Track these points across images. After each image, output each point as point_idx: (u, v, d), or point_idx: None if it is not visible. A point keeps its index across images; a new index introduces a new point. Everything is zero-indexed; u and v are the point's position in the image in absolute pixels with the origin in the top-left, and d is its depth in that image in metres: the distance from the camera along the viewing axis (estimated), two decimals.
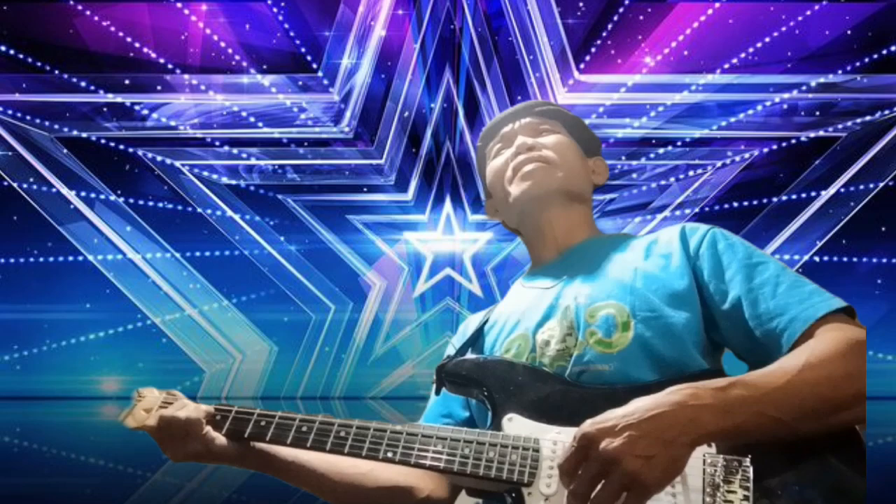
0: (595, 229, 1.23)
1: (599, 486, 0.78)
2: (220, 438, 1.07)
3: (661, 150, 5.76)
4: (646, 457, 0.76)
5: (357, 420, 1.01)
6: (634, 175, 5.96)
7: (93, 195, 5.35)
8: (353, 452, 0.99)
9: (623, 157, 5.86)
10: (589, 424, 0.81)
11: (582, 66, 5.53)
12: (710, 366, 0.96)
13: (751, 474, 0.81)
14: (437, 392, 1.08)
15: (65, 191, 5.27)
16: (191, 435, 1.06)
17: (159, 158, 5.53)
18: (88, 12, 5.06)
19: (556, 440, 0.92)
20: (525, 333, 1.08)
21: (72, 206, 5.26)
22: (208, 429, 1.08)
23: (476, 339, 1.18)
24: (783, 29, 5.35)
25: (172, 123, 5.44)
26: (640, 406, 0.80)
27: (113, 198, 5.40)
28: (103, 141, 5.40)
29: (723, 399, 0.80)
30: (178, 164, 5.56)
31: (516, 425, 0.96)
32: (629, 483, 0.76)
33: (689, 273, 1.02)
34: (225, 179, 5.68)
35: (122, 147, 5.44)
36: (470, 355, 1.10)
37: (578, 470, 0.80)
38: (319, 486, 1.13)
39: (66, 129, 5.33)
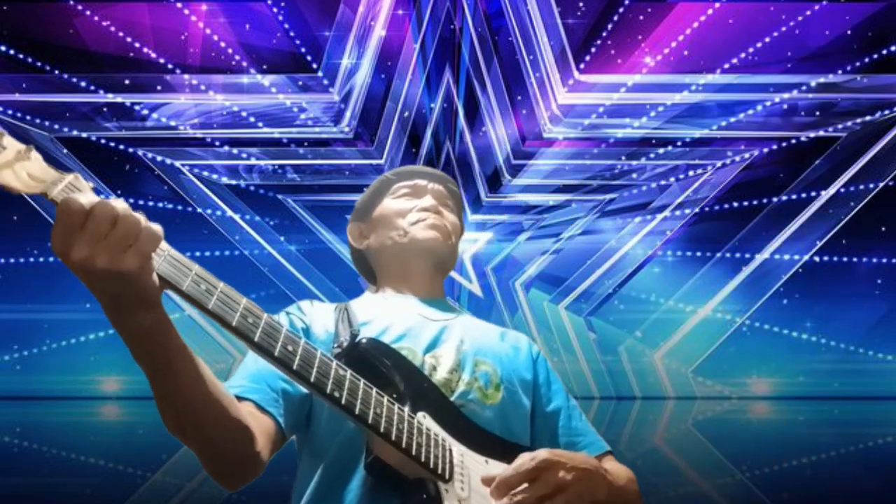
0: (445, 297, 1.37)
1: None
2: (154, 273, 0.80)
3: (661, 150, 5.76)
4: (580, 496, 0.93)
5: (302, 339, 0.89)
6: (634, 175, 5.96)
7: None
8: (301, 372, 0.85)
9: (623, 157, 5.86)
10: (549, 453, 0.94)
11: (582, 66, 5.53)
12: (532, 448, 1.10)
13: None
14: (339, 357, 1.05)
15: None
16: (138, 247, 0.77)
17: (159, 158, 5.53)
18: (88, 12, 5.06)
19: (462, 451, 0.99)
20: (414, 349, 1.13)
21: None
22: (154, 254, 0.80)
23: (351, 328, 1.18)
24: (783, 29, 5.35)
25: (172, 123, 5.44)
26: (577, 456, 0.99)
27: (113, 198, 5.40)
28: (103, 141, 5.40)
29: (609, 480, 1.01)
30: (178, 164, 5.57)
31: (430, 423, 0.99)
32: None
33: (532, 371, 1.22)
34: (225, 179, 5.69)
35: (122, 147, 5.44)
36: (383, 342, 1.10)
37: (521, 486, 0.92)
38: (189, 389, 0.89)
39: (66, 129, 5.33)
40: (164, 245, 0.80)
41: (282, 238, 5.74)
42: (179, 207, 5.55)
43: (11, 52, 5.04)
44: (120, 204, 0.76)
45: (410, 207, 1.30)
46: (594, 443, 1.17)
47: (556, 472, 0.92)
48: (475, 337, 1.20)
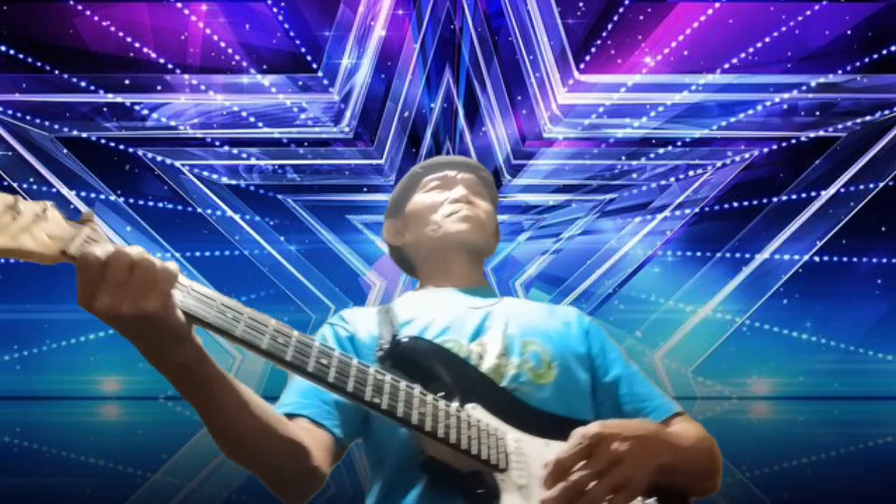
0: (487, 284, 1.36)
1: (597, 481, 0.87)
2: (177, 309, 0.82)
3: (661, 150, 5.76)
4: (639, 465, 0.90)
5: (336, 349, 0.89)
6: (634, 175, 5.96)
7: (93, 195, 5.35)
8: (337, 384, 0.86)
9: (623, 157, 5.86)
10: (600, 426, 0.90)
11: (582, 66, 5.53)
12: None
13: None
14: (382, 361, 1.06)
15: (65, 191, 5.28)
16: (156, 289, 0.80)
17: (159, 158, 5.53)
18: (88, 12, 5.06)
19: (517, 438, 0.97)
20: (458, 340, 1.12)
21: (72, 206, 5.27)
22: (174, 291, 0.82)
23: (393, 330, 1.18)
24: (783, 29, 5.35)
25: (172, 123, 5.44)
26: (630, 424, 0.95)
27: (113, 198, 5.40)
28: (103, 141, 5.40)
29: (672, 441, 0.98)
30: (178, 164, 5.57)
31: (481, 414, 0.98)
32: (624, 484, 0.87)
33: (585, 343, 1.20)
34: (225, 179, 5.69)
35: (122, 147, 5.44)
36: (426, 339, 1.10)
37: (577, 465, 0.88)
38: (238, 420, 0.92)
39: (66, 129, 5.34)
40: (185, 281, 0.83)
41: (282, 238, 5.75)
42: (179, 207, 5.55)
43: (11, 52, 5.04)
44: (134, 250, 0.81)
45: (441, 200, 1.29)
46: (661, 406, 1.14)
47: (609, 445, 0.89)
48: (521, 318, 1.18)
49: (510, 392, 1.06)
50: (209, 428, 0.93)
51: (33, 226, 0.77)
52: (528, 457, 0.95)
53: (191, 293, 0.83)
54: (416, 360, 1.03)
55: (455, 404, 0.96)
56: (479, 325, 1.15)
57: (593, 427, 0.90)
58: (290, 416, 1.03)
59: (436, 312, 1.16)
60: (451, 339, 1.11)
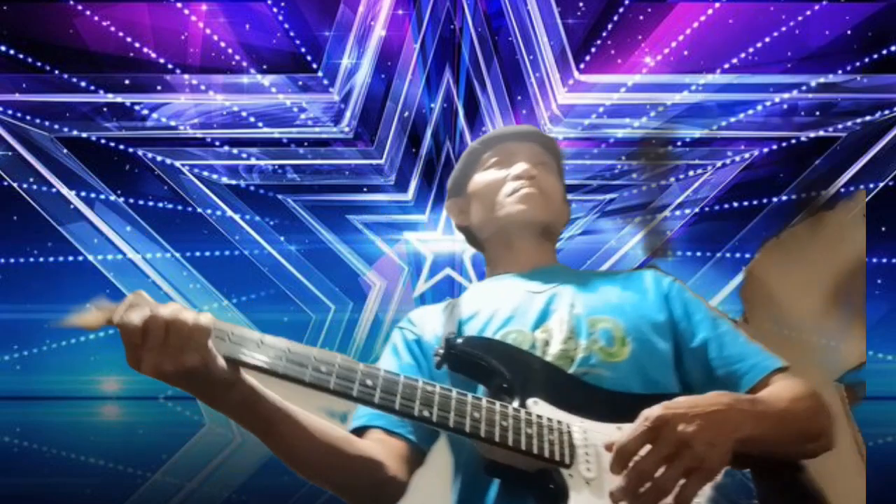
0: (557, 261, 1.33)
1: (665, 467, 0.83)
2: (219, 358, 0.89)
3: (661, 150, 5.76)
4: (711, 444, 0.84)
5: (381, 370, 0.90)
6: (634, 175, 5.96)
7: (93, 195, 5.35)
8: (384, 404, 0.88)
9: (623, 157, 5.86)
10: (662, 408, 0.86)
11: (582, 66, 5.53)
12: (685, 392, 1.03)
13: (752, 486, 0.96)
14: (438, 367, 1.04)
15: (65, 191, 5.27)
16: (192, 344, 0.86)
17: (159, 158, 5.53)
18: (88, 12, 5.06)
19: (584, 428, 0.94)
20: (522, 329, 1.09)
21: (72, 206, 5.26)
22: (211, 343, 0.88)
23: (456, 328, 1.15)
24: (783, 29, 5.34)
25: (172, 123, 5.44)
26: (699, 401, 0.89)
27: (113, 198, 5.40)
28: (103, 141, 5.40)
29: (755, 409, 0.92)
30: (178, 164, 5.56)
31: (542, 409, 0.96)
32: (695, 466, 0.83)
33: (665, 310, 1.15)
34: (225, 179, 5.68)
35: (122, 147, 5.44)
36: (480, 336, 1.08)
37: (642, 450, 0.84)
38: (301, 446, 0.97)
39: (66, 129, 5.33)
40: (226, 326, 0.90)
41: (282, 238, 5.74)
42: (179, 207, 5.54)
43: (11, 52, 5.04)
44: (168, 310, 0.89)
45: (502, 178, 1.24)
46: (756, 366, 1.06)
47: (675, 427, 0.84)
48: (589, 295, 1.14)
49: (579, 377, 1.03)
50: (277, 455, 0.98)
51: (84, 310, 0.92)
52: (599, 446, 0.93)
53: (231, 339, 0.90)
54: (472, 360, 1.02)
55: (515, 403, 0.95)
56: (543, 310, 1.12)
57: (656, 409, 0.86)
58: (365, 428, 1.06)
59: (499, 303, 1.14)
60: (515, 330, 1.10)
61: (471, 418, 0.89)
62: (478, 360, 1.01)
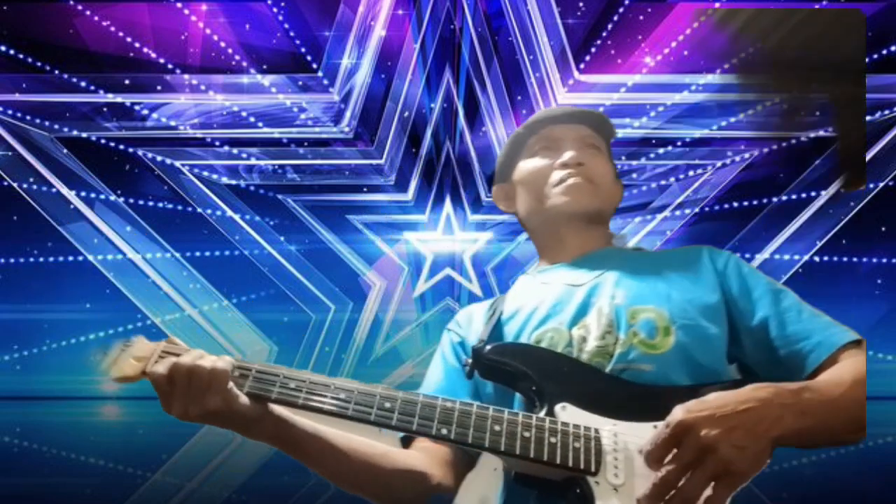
0: (610, 242, 1.25)
1: (688, 475, 0.78)
2: (241, 396, 0.93)
3: (661, 150, 5.76)
4: (740, 447, 0.77)
5: (400, 391, 0.91)
6: (634, 175, 5.96)
7: (93, 195, 5.35)
8: (401, 426, 0.89)
9: (623, 157, 5.86)
10: (682, 411, 0.80)
11: (582, 66, 5.53)
12: (738, 377, 0.99)
13: None
14: (469, 377, 1.03)
15: (65, 191, 5.27)
16: (213, 388, 0.91)
17: (159, 158, 5.53)
18: (88, 12, 5.06)
19: (615, 432, 0.90)
20: (559, 327, 1.04)
21: (72, 206, 5.26)
22: (232, 384, 0.93)
23: (494, 329, 1.11)
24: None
25: (172, 123, 5.44)
26: (728, 399, 0.82)
27: (113, 198, 5.40)
28: (103, 141, 5.40)
29: (800, 401, 0.84)
30: (178, 164, 5.56)
31: (571, 414, 0.92)
32: (722, 472, 0.77)
33: (719, 290, 1.06)
34: (225, 179, 5.68)
35: (122, 147, 5.44)
36: (508, 341, 1.06)
37: (667, 457, 0.80)
38: (336, 466, 1.00)
39: (66, 129, 5.33)
40: (250, 365, 0.96)
41: (282, 238, 5.74)
42: (179, 207, 5.55)
43: (11, 52, 5.04)
44: (189, 357, 0.94)
45: (548, 166, 1.19)
46: (821, 343, 0.97)
47: (697, 432, 0.78)
48: (633, 283, 1.07)
49: (616, 374, 0.97)
50: (322, 475, 1.02)
51: (120, 356, 0.98)
52: (630, 450, 0.88)
53: (254, 376, 0.95)
54: (500, 368, 0.99)
55: (543, 411, 0.92)
56: (582, 304, 1.06)
57: (677, 413, 0.80)
58: (410, 436, 1.06)
59: (540, 298, 1.11)
60: (552, 329, 1.05)
61: (491, 432, 0.88)
62: (505, 368, 0.99)
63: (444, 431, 0.88)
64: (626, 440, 0.89)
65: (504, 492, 1.02)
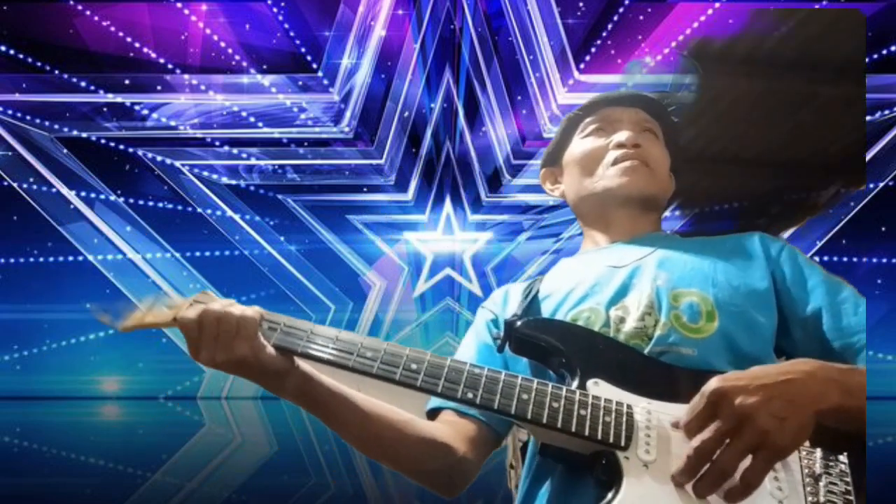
0: (659, 229, 1.22)
1: (726, 445, 0.75)
2: (269, 348, 0.92)
3: None
4: (780, 418, 0.74)
5: (429, 353, 0.90)
6: None
7: (93, 195, 5.35)
8: (426, 388, 0.87)
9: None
10: (719, 380, 0.78)
11: (582, 66, 5.53)
12: None
13: (847, 469, 0.81)
14: (500, 350, 1.01)
15: (65, 191, 5.27)
16: (241, 336, 0.91)
17: (159, 158, 5.53)
18: (88, 12, 5.06)
19: (649, 409, 0.88)
20: (596, 307, 1.03)
21: (72, 206, 5.26)
22: (260, 334, 0.93)
23: (530, 307, 1.09)
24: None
25: (172, 123, 5.44)
26: (769, 370, 0.79)
27: (113, 198, 5.40)
28: (103, 141, 5.40)
29: (847, 380, 0.81)
30: (178, 164, 5.57)
31: (603, 389, 0.90)
32: (760, 442, 0.74)
33: (769, 277, 1.03)
34: (225, 179, 5.68)
35: (122, 147, 5.44)
36: (540, 317, 1.04)
37: (704, 428, 0.76)
38: (360, 429, 0.99)
39: (66, 129, 5.33)
40: (277, 318, 0.95)
41: (282, 238, 5.74)
42: (179, 207, 5.55)
43: (11, 52, 5.04)
44: (220, 304, 0.93)
45: (603, 146, 1.16)
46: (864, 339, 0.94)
47: (734, 400, 0.75)
48: (677, 266, 1.04)
49: (655, 356, 0.95)
50: (344, 439, 1.01)
51: (155, 305, 0.99)
52: (665, 427, 0.85)
53: (283, 329, 0.94)
54: (532, 341, 0.97)
55: (575, 383, 0.91)
56: (622, 285, 1.04)
57: (713, 382, 0.77)
58: (438, 410, 1.05)
59: (577, 280, 1.08)
60: (588, 308, 1.03)
61: (518, 400, 0.86)
62: (537, 342, 0.97)
63: (470, 395, 0.87)
64: (660, 418, 0.86)
65: (529, 464, 1.01)
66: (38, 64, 5.10)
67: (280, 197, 5.77)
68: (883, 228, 5.77)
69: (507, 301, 1.15)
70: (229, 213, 5.64)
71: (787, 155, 1.30)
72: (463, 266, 5.84)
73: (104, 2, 5.12)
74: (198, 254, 5.52)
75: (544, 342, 0.97)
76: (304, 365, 0.96)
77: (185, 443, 4.20)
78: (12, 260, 5.33)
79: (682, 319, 0.98)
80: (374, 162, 5.74)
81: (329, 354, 0.92)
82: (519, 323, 0.99)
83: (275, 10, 5.31)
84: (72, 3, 5.02)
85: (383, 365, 0.89)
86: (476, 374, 0.88)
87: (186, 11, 5.21)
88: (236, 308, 0.93)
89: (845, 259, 5.79)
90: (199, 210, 5.58)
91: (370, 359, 0.90)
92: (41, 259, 5.29)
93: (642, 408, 0.88)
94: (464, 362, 0.89)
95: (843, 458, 0.82)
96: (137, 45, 5.19)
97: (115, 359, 5.39)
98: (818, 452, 0.82)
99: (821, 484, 0.80)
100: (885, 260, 5.83)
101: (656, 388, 0.90)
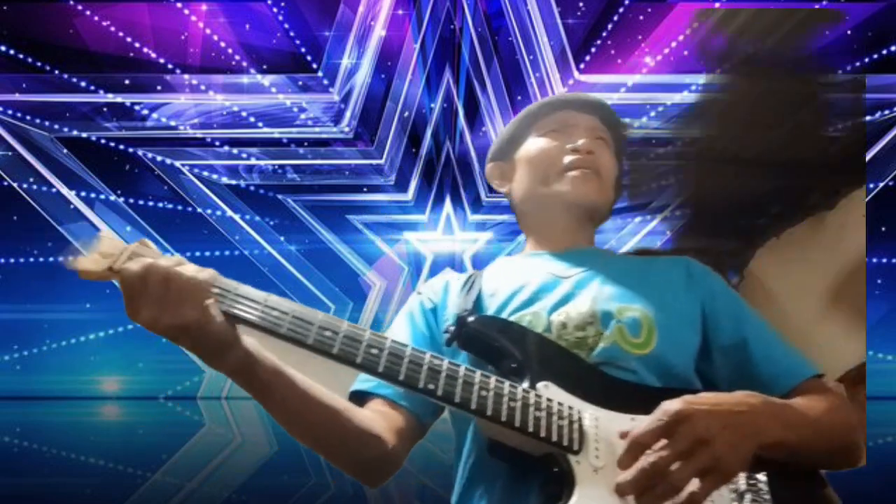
0: (593, 242, 1.23)
1: (680, 464, 0.77)
2: (219, 317, 0.84)
3: (661, 150, 5.76)
4: (731, 445, 0.78)
5: (389, 338, 0.87)
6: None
7: (93, 195, 5.35)
8: (387, 374, 0.84)
9: (623, 157, 5.85)
10: (683, 402, 0.80)
11: (582, 66, 5.53)
12: (702, 389, 0.99)
13: (767, 487, 0.86)
14: (449, 344, 0.99)
15: (65, 191, 5.28)
16: (191, 301, 0.82)
17: (159, 158, 5.53)
18: (88, 12, 5.06)
19: (596, 416, 0.89)
20: (539, 312, 1.03)
21: (72, 206, 5.27)
22: (210, 301, 0.84)
23: (476, 303, 1.09)
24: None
25: (172, 123, 5.44)
26: (725, 399, 0.83)
27: (113, 198, 5.40)
28: (103, 141, 5.40)
29: (785, 415, 0.86)
30: (178, 164, 5.57)
31: (554, 393, 0.91)
32: (712, 467, 0.77)
33: (698, 302, 1.06)
34: (225, 179, 5.69)
35: (122, 147, 5.44)
36: (493, 315, 1.04)
37: (656, 445, 0.79)
38: (297, 414, 0.94)
39: (66, 129, 5.34)
40: (229, 284, 0.88)
41: (282, 238, 5.75)
42: (179, 207, 5.55)
43: (11, 52, 5.04)
44: (170, 261, 0.84)
45: (558, 148, 1.16)
46: (791, 371, 0.99)
47: (696, 424, 0.78)
48: (619, 281, 1.06)
49: (596, 366, 0.97)
50: (275, 419, 0.95)
51: (87, 248, 0.88)
52: (611, 435, 0.88)
53: (235, 297, 0.87)
54: (483, 340, 0.97)
55: (525, 384, 0.91)
56: (566, 294, 1.05)
57: (676, 403, 0.80)
58: (367, 394, 1.03)
59: (522, 281, 1.09)
60: (531, 313, 1.04)
61: (478, 395, 0.85)
62: (489, 341, 0.97)
63: (431, 386, 0.85)
64: (606, 425, 0.88)
65: (465, 464, 1.01)
66: (38, 64, 5.10)
67: (280, 197, 5.77)
68: (883, 228, 5.77)
69: (447, 291, 1.14)
70: (229, 213, 5.64)
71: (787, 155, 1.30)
72: (463, 266, 5.84)
73: (104, 2, 5.12)
74: (198, 254, 5.51)
75: (497, 342, 0.97)
76: (249, 339, 0.90)
77: (185, 443, 4.20)
78: (12, 260, 5.33)
79: (624, 333, 1.00)
80: (374, 162, 5.74)
81: (286, 329, 0.85)
82: (472, 319, 0.98)
83: (275, 10, 5.32)
84: (72, 3, 5.02)
85: (344, 345, 0.85)
86: (437, 365, 0.87)
87: (186, 11, 5.21)
88: (188, 268, 0.85)
89: None
90: (199, 210, 5.58)
91: (329, 338, 0.86)
92: (41, 259, 5.29)
93: (590, 414, 0.90)
94: (423, 351, 0.88)
95: (762, 476, 0.87)
96: (137, 45, 5.19)
97: (115, 359, 5.39)
98: (742, 473, 0.87)
99: (745, 500, 0.86)
100: (885, 260, 5.84)
101: (599, 396, 0.92)
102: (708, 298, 1.07)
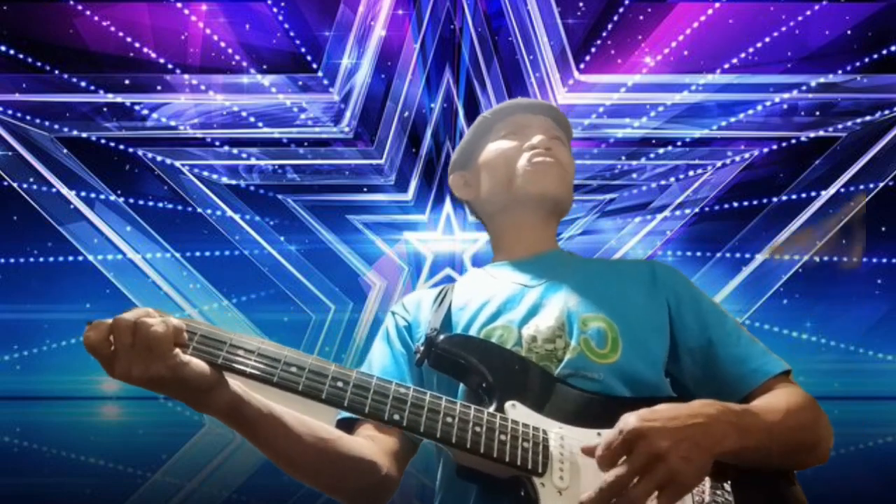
0: (557, 245, 1.24)
1: (638, 480, 0.79)
2: (191, 363, 0.84)
3: (661, 150, 5.76)
4: (687, 459, 0.80)
5: (354, 371, 0.88)
6: (634, 175, 5.96)
7: (93, 195, 5.35)
8: (354, 407, 0.85)
9: (623, 157, 5.86)
10: (636, 419, 0.82)
11: (582, 66, 5.53)
12: (673, 393, 1.00)
13: (731, 497, 0.88)
14: (419, 364, 1.00)
15: (65, 191, 5.27)
16: (155, 353, 0.82)
17: (159, 158, 5.53)
18: (88, 12, 5.06)
19: (562, 435, 0.91)
20: (508, 325, 1.05)
21: (72, 206, 5.26)
22: (178, 350, 0.84)
23: (446, 318, 1.10)
24: (783, 29, 5.34)
25: (172, 123, 5.44)
26: (680, 411, 0.84)
27: (113, 198, 5.40)
28: (103, 141, 5.40)
29: (742, 422, 0.87)
30: (178, 164, 5.56)
31: (520, 413, 0.92)
32: (668, 481, 0.79)
33: (665, 305, 1.08)
34: (225, 179, 5.68)
35: (122, 147, 5.44)
36: (461, 334, 1.05)
37: (618, 461, 0.81)
38: (287, 449, 0.94)
39: (66, 129, 5.33)
40: (197, 326, 0.87)
41: (282, 238, 5.74)
42: (179, 207, 5.55)
43: (11, 52, 5.04)
44: (135, 313, 0.85)
45: (517, 147, 1.18)
46: (757, 369, 1.01)
47: (651, 440, 0.80)
48: (585, 289, 1.07)
49: (563, 379, 0.97)
50: (267, 457, 0.96)
51: None
52: (575, 454, 0.89)
53: (199, 341, 0.86)
54: (452, 359, 0.98)
55: (493, 405, 0.92)
56: (534, 304, 1.06)
57: (632, 420, 0.82)
58: (355, 420, 1.03)
59: (490, 293, 1.10)
60: (501, 326, 1.05)
61: (443, 423, 0.86)
62: (458, 360, 0.98)
63: (397, 417, 0.86)
64: (571, 444, 0.90)
65: (444, 483, 1.02)
66: (38, 64, 5.10)
67: (280, 197, 5.77)
68: (883, 228, 5.77)
69: (419, 307, 1.16)
70: (229, 213, 5.64)
71: None
72: (463, 266, 5.84)
73: (104, 2, 5.12)
74: (198, 254, 5.52)
75: (465, 360, 0.97)
76: (232, 383, 0.90)
77: (185, 443, 4.20)
78: (12, 260, 5.33)
79: (590, 344, 1.01)
80: (374, 162, 5.74)
81: (252, 370, 0.86)
82: (441, 338, 0.98)
83: (275, 10, 5.32)
84: (72, 3, 5.02)
85: (308, 382, 0.86)
86: (402, 395, 0.87)
87: (186, 11, 5.21)
88: (153, 319, 0.84)
89: (845, 259, 5.79)
90: (199, 210, 5.58)
91: (295, 374, 0.86)
92: (41, 259, 5.29)
93: (556, 433, 0.91)
94: (389, 381, 0.88)
95: (727, 485, 0.88)
96: (137, 45, 5.19)
97: None
98: (707, 481, 0.88)
99: None
100: (885, 260, 5.83)
101: (566, 412, 0.93)
102: (673, 301, 1.08)
